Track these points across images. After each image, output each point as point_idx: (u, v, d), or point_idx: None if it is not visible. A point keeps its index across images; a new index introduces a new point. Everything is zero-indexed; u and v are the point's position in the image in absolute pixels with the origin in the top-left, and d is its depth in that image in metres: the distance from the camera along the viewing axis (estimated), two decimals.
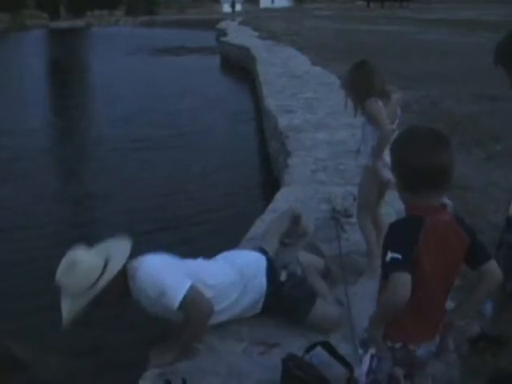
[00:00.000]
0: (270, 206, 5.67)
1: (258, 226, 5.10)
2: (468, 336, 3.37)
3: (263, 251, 3.82)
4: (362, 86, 4.01)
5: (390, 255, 2.08)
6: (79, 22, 68.09)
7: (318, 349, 3.16)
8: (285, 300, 3.55)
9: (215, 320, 3.39)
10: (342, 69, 13.74)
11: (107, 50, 32.84)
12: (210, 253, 3.91)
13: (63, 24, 66.96)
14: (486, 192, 5.69)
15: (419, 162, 2.09)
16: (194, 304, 3.18)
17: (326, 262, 4.16)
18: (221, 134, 12.61)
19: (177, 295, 3.12)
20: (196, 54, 29.54)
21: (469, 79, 12.72)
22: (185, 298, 3.12)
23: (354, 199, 5.39)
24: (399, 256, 2.06)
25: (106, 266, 3.18)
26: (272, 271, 3.61)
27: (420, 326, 2.26)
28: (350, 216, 5.02)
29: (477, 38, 22.21)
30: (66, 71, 25.80)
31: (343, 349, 3.29)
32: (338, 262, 4.22)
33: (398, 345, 2.25)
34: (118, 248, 3.32)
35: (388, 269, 2.12)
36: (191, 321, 3.23)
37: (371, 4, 64.68)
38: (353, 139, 6.96)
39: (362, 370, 2.38)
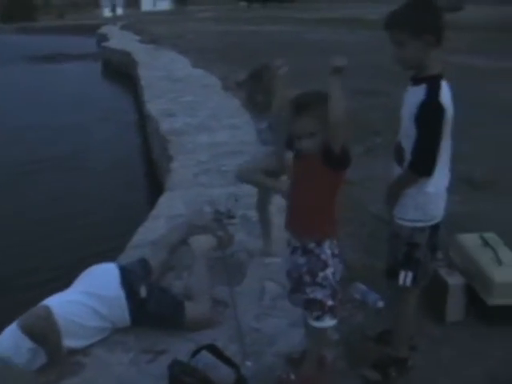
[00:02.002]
0: (153, 212, 5.65)
1: (142, 233, 5.08)
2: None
3: (120, 266, 3.82)
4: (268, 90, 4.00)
5: None
6: None
7: (204, 352, 3.19)
8: (153, 317, 3.60)
9: (81, 343, 3.43)
10: (223, 70, 13.90)
11: None
12: (94, 260, 3.93)
13: None
14: (365, 185, 5.88)
15: None
16: (32, 318, 3.22)
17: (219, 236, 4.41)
18: (106, 141, 12.38)
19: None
20: (77, 60, 28.70)
21: (349, 76, 13.08)
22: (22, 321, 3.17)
23: (236, 200, 5.46)
24: None
25: None
26: (128, 285, 3.60)
27: None
28: (233, 217, 5.07)
29: (357, 36, 22.93)
30: None
31: (231, 350, 3.34)
32: (222, 263, 4.27)
33: None
34: None
35: None
36: (35, 336, 3.20)
37: (253, 4, 65.27)
38: (234, 140, 7.05)
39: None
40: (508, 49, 17.97)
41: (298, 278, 2.94)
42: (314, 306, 2.87)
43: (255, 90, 4.06)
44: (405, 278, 3.00)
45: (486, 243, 3.91)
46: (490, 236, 4.03)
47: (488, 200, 5.73)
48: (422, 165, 2.79)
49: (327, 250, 2.84)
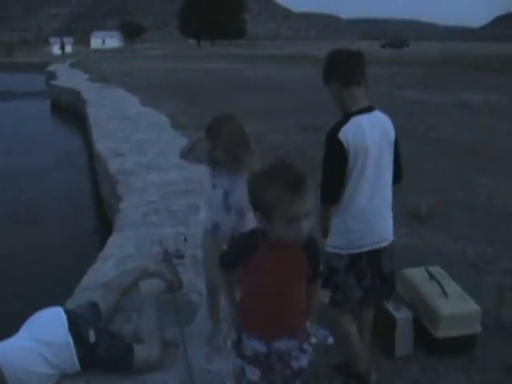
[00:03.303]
0: (102, 254, 5.57)
1: (91, 275, 5.01)
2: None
3: (67, 310, 3.76)
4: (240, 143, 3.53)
5: None
6: None
7: None
8: (104, 362, 3.54)
9: None
10: (172, 108, 13.97)
11: None
12: (42, 304, 3.81)
13: None
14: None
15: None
16: None
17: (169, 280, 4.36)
18: (55, 182, 12.18)
19: None
20: (26, 98, 28.47)
21: (295, 112, 13.32)
22: None
23: (185, 240, 5.46)
24: None
25: None
26: (76, 330, 3.55)
27: None
28: (182, 257, 5.07)
29: (302, 72, 23.33)
30: None
31: None
32: (172, 305, 4.24)
33: None
34: None
35: None
36: None
37: (201, 42, 66.02)
38: (183, 179, 7.04)
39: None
40: (448, 83, 18.55)
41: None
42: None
43: (213, 148, 3.54)
44: (324, 297, 3.21)
45: (431, 276, 3.99)
46: (435, 269, 4.11)
47: (433, 232, 5.86)
48: (322, 191, 3.11)
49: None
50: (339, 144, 2.99)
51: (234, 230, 3.57)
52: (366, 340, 3.50)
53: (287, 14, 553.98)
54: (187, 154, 3.84)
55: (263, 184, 2.27)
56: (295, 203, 2.21)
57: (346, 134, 2.99)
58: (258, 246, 2.42)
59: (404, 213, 6.20)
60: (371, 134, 3.04)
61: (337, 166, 3.04)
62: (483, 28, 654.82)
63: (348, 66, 3.12)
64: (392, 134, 3.17)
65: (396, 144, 3.21)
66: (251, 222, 3.69)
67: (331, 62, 3.17)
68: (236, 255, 2.56)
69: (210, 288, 3.87)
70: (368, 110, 3.11)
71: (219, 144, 3.45)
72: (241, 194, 3.50)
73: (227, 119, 3.55)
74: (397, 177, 3.26)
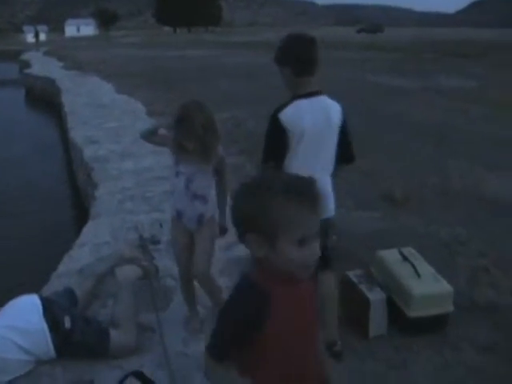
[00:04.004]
0: (78, 241, 5.57)
1: (67, 262, 5.00)
2: None
3: (42, 297, 3.75)
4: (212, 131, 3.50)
5: None
6: None
7: (131, 379, 3.17)
8: (79, 347, 3.54)
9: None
10: (148, 95, 13.90)
11: None
12: (18, 291, 3.79)
13: None
14: None
15: None
16: None
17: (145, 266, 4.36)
18: (29, 170, 12.08)
19: None
20: None
21: (271, 99, 13.27)
22: None
23: (161, 226, 5.46)
24: None
25: None
26: (51, 317, 3.55)
27: None
28: (158, 242, 5.07)
29: None
30: None
31: (159, 376, 3.33)
32: (148, 290, 4.25)
33: None
34: None
35: None
36: None
37: (177, 30, 65.61)
38: (158, 166, 7.03)
39: None
40: (423, 69, 18.66)
41: None
42: None
43: (184, 138, 3.46)
44: None
45: (404, 258, 4.04)
46: (408, 250, 4.17)
47: (407, 215, 5.92)
48: (261, 166, 3.40)
49: None
50: (278, 123, 3.26)
51: (199, 217, 3.61)
52: (327, 310, 3.55)
53: (263, 0, 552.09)
54: (148, 137, 3.83)
55: (263, 197, 1.69)
56: (310, 219, 1.70)
57: (286, 114, 3.26)
58: (269, 300, 1.74)
59: (378, 197, 6.27)
60: (311, 116, 3.28)
61: (273, 142, 3.33)
62: (458, 13, 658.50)
63: (301, 55, 3.30)
64: (337, 117, 3.38)
65: (344, 127, 3.41)
66: (214, 208, 3.72)
67: (285, 49, 3.36)
68: (238, 337, 1.79)
69: (181, 274, 3.86)
70: (315, 94, 3.34)
71: (191, 133, 3.39)
72: (203, 181, 3.60)
73: (198, 108, 3.47)
74: (347, 159, 3.51)
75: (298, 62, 3.27)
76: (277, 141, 3.29)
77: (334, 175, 3.47)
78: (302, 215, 1.66)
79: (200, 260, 3.63)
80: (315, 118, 3.28)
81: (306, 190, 1.68)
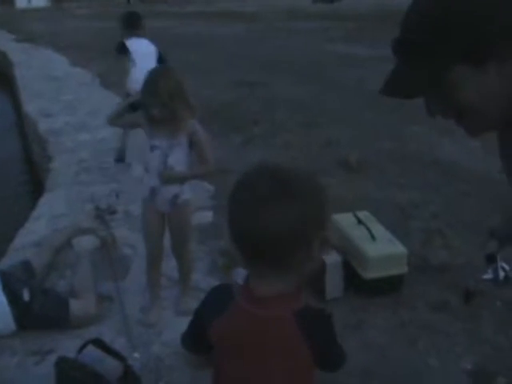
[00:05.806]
0: (34, 213, 5.52)
1: (23, 235, 4.97)
2: None
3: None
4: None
5: None
6: None
7: (90, 347, 3.18)
8: (39, 319, 3.54)
9: None
10: (102, 67, 13.65)
11: None
12: None
13: None
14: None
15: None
16: None
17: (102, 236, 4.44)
18: None
19: None
20: None
21: (227, 68, 13.24)
22: None
23: (117, 196, 5.46)
24: None
25: None
26: (9, 289, 3.53)
27: None
28: (114, 213, 5.08)
29: (232, 28, 23.16)
30: None
31: (119, 343, 3.35)
32: (106, 260, 4.25)
33: None
34: None
35: None
36: None
37: (131, 0, 64.41)
38: (114, 137, 6.97)
39: None
40: (381, 37, 18.70)
41: None
42: None
43: (149, 104, 3.27)
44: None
45: (359, 221, 4.11)
46: (363, 214, 4.24)
47: (362, 181, 6.00)
48: None
49: None
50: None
51: (173, 198, 3.45)
52: None
53: None
54: (116, 120, 3.69)
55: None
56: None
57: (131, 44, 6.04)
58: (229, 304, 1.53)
59: (334, 163, 6.32)
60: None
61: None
62: None
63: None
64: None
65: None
66: (190, 192, 3.58)
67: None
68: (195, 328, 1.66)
69: (149, 259, 3.73)
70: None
71: (156, 97, 3.19)
72: (181, 155, 3.37)
73: (165, 72, 3.36)
74: None
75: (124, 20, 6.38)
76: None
77: None
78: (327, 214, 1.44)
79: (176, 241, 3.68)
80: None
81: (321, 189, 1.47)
